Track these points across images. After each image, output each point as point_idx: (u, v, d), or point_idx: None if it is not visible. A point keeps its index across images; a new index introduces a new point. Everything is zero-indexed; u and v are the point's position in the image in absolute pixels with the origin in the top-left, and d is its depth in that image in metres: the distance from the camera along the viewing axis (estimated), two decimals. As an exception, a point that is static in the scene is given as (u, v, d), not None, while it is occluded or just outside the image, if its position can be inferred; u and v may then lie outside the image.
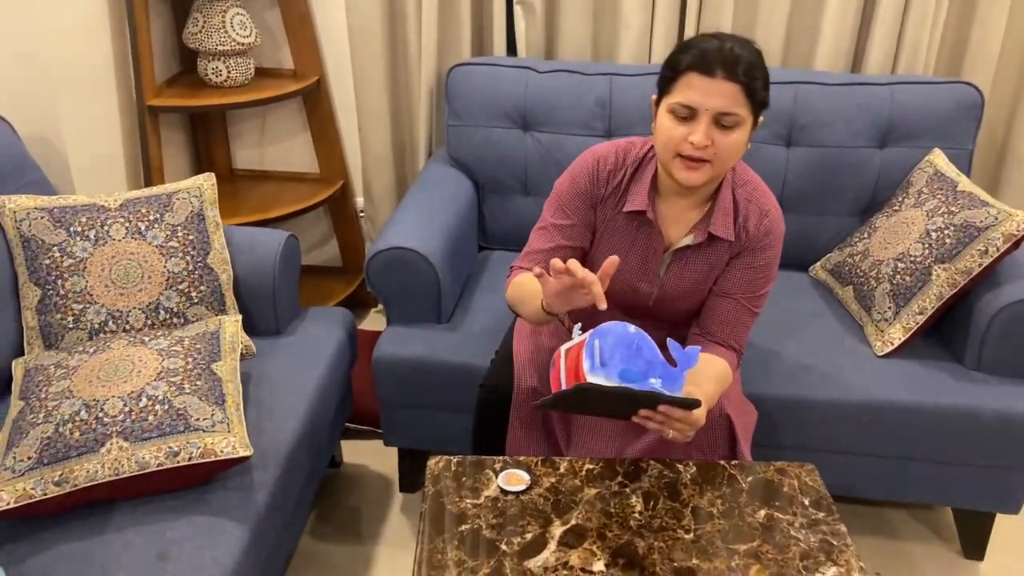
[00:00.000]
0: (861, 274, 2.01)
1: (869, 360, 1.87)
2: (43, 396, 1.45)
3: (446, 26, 2.43)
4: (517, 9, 2.39)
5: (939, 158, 2.06)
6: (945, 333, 1.92)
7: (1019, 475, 1.80)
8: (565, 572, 1.20)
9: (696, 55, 1.36)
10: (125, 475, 1.37)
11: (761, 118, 1.42)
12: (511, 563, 1.22)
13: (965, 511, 1.97)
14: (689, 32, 2.35)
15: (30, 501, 1.32)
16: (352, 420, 2.27)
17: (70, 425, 1.39)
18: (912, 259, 1.88)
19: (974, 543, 1.96)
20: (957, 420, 1.75)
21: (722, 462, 1.42)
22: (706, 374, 1.47)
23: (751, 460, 1.51)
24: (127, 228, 1.74)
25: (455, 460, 1.42)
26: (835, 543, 1.26)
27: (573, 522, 1.29)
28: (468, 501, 1.33)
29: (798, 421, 1.81)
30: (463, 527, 1.28)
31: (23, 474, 1.34)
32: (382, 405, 1.98)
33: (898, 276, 1.89)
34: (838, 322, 2.01)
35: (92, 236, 1.71)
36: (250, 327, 1.88)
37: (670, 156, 1.42)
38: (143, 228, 1.75)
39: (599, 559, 1.22)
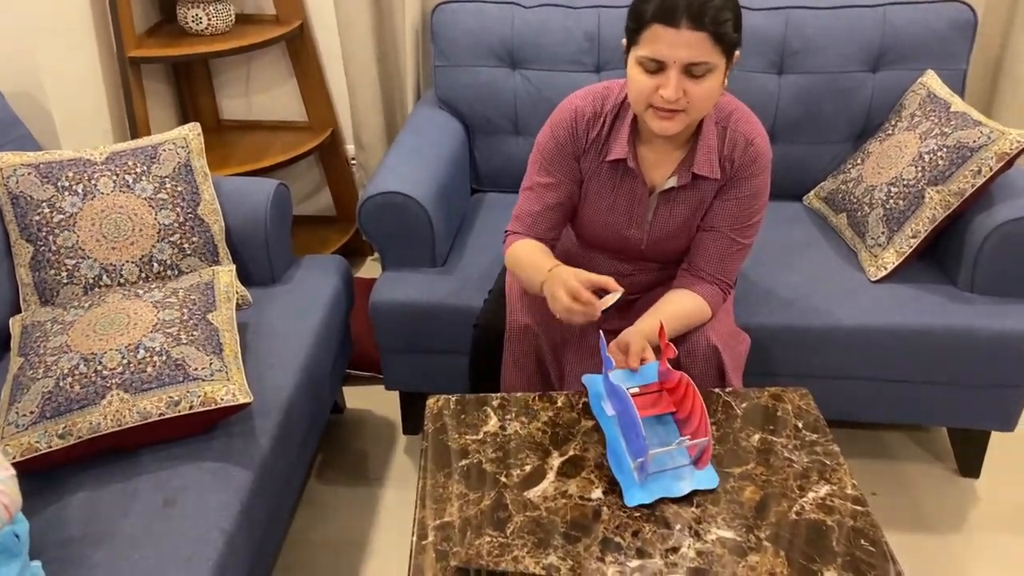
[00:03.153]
0: (854, 201, 2.00)
1: (863, 286, 1.87)
2: (41, 352, 1.46)
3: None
4: (500, -57, 2.33)
5: (932, 80, 2.04)
6: (939, 256, 1.92)
7: (1014, 393, 1.82)
8: (564, 500, 1.23)
9: (658, 5, 1.31)
10: (128, 426, 1.38)
11: (737, 54, 1.39)
12: (511, 494, 1.24)
13: (960, 430, 2.00)
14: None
15: (36, 454, 1.34)
16: (353, 366, 2.29)
17: (70, 379, 1.40)
18: (905, 183, 1.87)
19: (970, 462, 1.99)
20: (951, 341, 1.76)
21: (717, 390, 1.44)
22: (661, 310, 1.51)
23: (740, 388, 1.52)
24: (115, 181, 1.73)
25: (453, 399, 1.44)
26: (828, 463, 1.28)
27: (571, 453, 1.31)
28: (468, 437, 1.35)
29: (793, 350, 1.82)
30: (464, 462, 1.30)
31: (27, 428, 1.36)
32: (381, 350, 1.99)
33: (891, 201, 1.89)
34: (832, 250, 2.01)
35: (80, 191, 1.70)
36: (245, 277, 1.89)
37: (643, 108, 1.40)
38: (131, 181, 1.74)
39: (597, 487, 1.25)
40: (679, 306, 1.54)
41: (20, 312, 1.67)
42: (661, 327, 1.38)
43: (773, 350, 1.82)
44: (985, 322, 1.76)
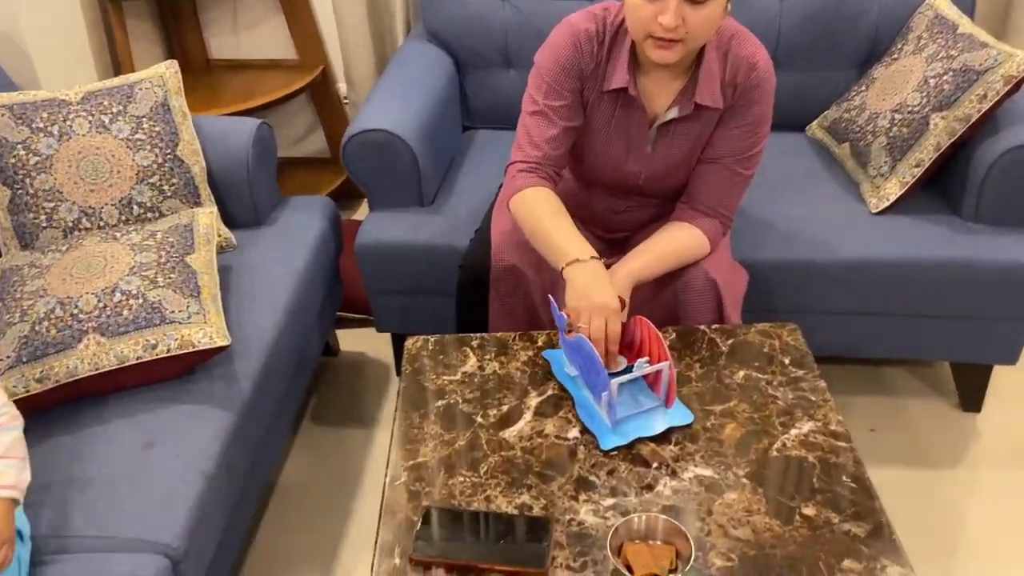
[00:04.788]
0: (857, 129, 1.92)
1: (864, 218, 1.81)
2: (18, 296, 1.45)
3: None
4: None
5: (940, 0, 1.93)
6: (943, 186, 1.85)
7: (1017, 325, 1.77)
8: (540, 440, 1.20)
9: None
10: (105, 369, 1.37)
11: None
12: (487, 434, 1.22)
13: (963, 365, 1.95)
14: None
15: (14, 399, 1.34)
16: (345, 309, 2.27)
17: (46, 323, 1.39)
18: (910, 109, 1.79)
19: (971, 396, 1.95)
20: (953, 273, 1.71)
21: (702, 326, 1.40)
22: (655, 245, 1.45)
23: (739, 323, 1.49)
24: (90, 122, 1.69)
25: (433, 339, 1.41)
26: (814, 399, 1.24)
27: (549, 393, 1.29)
28: (445, 378, 1.33)
29: (792, 285, 1.77)
30: (440, 402, 1.28)
31: (3, 373, 1.35)
32: (370, 292, 1.96)
33: (895, 128, 1.81)
34: (834, 181, 1.94)
35: (56, 132, 1.67)
36: (229, 219, 1.86)
37: (641, 37, 1.33)
38: (107, 121, 1.70)
39: (574, 426, 1.22)
40: (673, 241, 1.49)
41: (0, 256, 1.65)
42: (642, 324, 1.28)
43: (772, 285, 1.77)
44: (988, 253, 1.70)
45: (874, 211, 1.82)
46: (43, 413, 1.38)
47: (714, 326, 1.40)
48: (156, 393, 1.42)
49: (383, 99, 1.98)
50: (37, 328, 1.39)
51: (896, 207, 1.81)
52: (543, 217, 1.42)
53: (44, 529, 1.21)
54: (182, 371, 1.44)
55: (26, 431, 1.32)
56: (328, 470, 1.91)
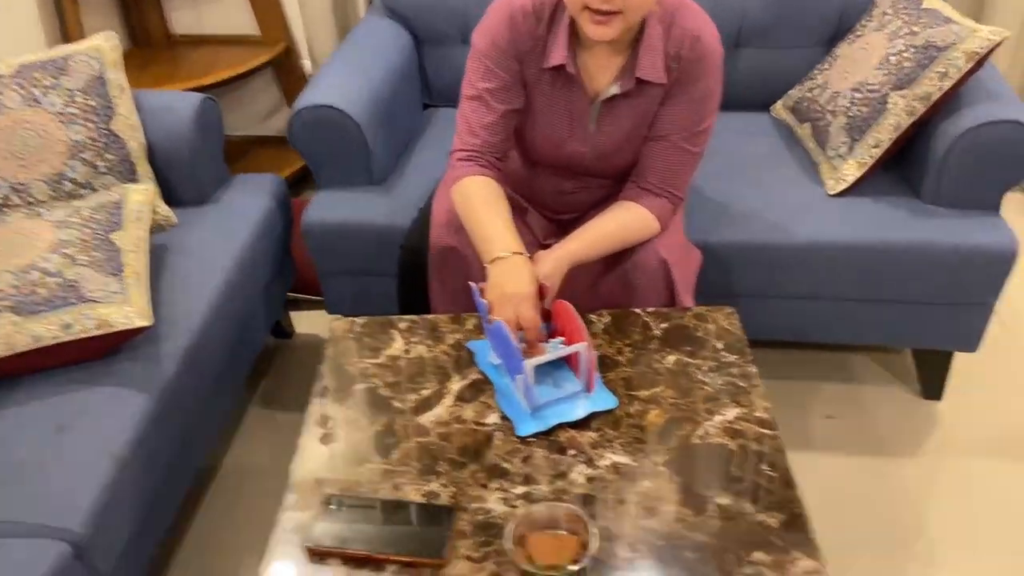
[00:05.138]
0: (819, 109, 1.86)
1: (821, 200, 1.76)
2: (-66, 274, 1.40)
3: None
4: None
5: (908, -26, 1.87)
6: (905, 167, 1.80)
7: (977, 311, 1.72)
8: (457, 425, 1.16)
9: None
10: (19, 350, 1.33)
11: None
12: (403, 419, 1.18)
13: (924, 352, 1.90)
14: None
15: (-78, 379, 1.30)
16: (302, 290, 2.23)
17: (-40, 301, 1.35)
18: (869, 88, 1.73)
19: (932, 383, 1.90)
20: (910, 257, 1.66)
21: (637, 309, 1.35)
22: (594, 227, 1.41)
23: (692, 306, 1.44)
24: (22, 96, 1.64)
25: (361, 321, 1.37)
26: (742, 385, 1.19)
27: (473, 377, 1.24)
28: (368, 361, 1.29)
29: (747, 267, 1.72)
30: (358, 386, 1.24)
31: (-87, 352, 1.31)
32: (320, 273, 1.92)
33: (854, 108, 1.75)
34: (794, 163, 1.88)
35: (-15, 107, 1.62)
36: (172, 197, 1.81)
37: (578, 10, 1.27)
38: (38, 95, 1.65)
39: (494, 412, 1.18)
40: (616, 221, 1.43)
41: (-74, 234, 1.61)
42: (562, 306, 1.24)
43: (727, 268, 1.72)
44: (946, 236, 1.65)
45: (831, 193, 1.76)
46: (-45, 394, 1.34)
47: (649, 309, 1.36)
48: (73, 375, 1.37)
49: (332, 75, 1.93)
50: (-50, 306, 1.35)
51: (855, 189, 1.75)
52: (476, 209, 1.39)
53: (-54, 513, 1.17)
54: (102, 352, 1.40)
55: (-67, 412, 1.29)
56: (275, 455, 1.86)
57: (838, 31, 1.99)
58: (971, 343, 1.77)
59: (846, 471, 1.75)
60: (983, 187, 1.67)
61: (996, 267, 1.64)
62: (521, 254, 1.29)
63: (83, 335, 1.35)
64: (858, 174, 1.73)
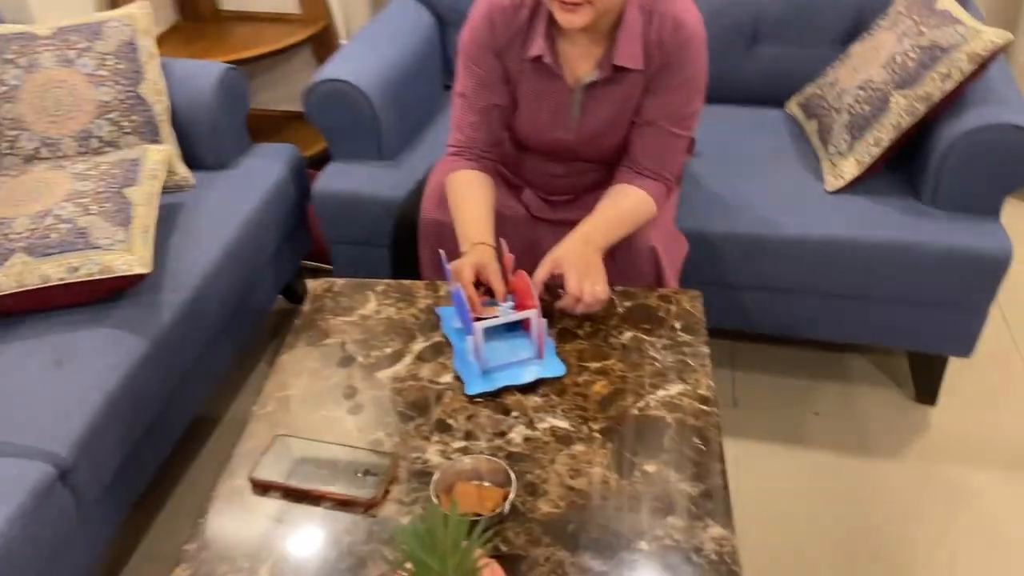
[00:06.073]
0: (826, 106, 1.86)
1: (818, 196, 1.76)
2: (-39, 215, 1.52)
3: None
4: None
5: (927, -25, 1.85)
6: (905, 167, 1.78)
7: (972, 316, 1.71)
8: (412, 382, 1.22)
9: None
10: (28, 287, 1.44)
11: None
12: (362, 372, 1.24)
13: (920, 356, 1.89)
14: None
15: (-60, 308, 1.42)
16: (317, 260, 2.32)
17: (-20, 241, 1.46)
18: (873, 86, 1.73)
19: (926, 387, 1.88)
20: (902, 256, 1.65)
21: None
22: (605, 214, 1.43)
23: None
24: (57, 56, 1.76)
25: (341, 282, 1.44)
26: (692, 363, 1.22)
27: (435, 340, 1.30)
28: (341, 319, 1.35)
29: (739, 258, 1.74)
30: (328, 340, 1.31)
31: (-66, 284, 1.43)
32: (328, 241, 2.00)
33: (858, 106, 1.75)
34: (798, 159, 1.89)
35: (23, 64, 1.74)
36: (193, 160, 1.91)
37: (549, 0, 1.32)
38: (72, 56, 1.76)
39: (449, 373, 1.23)
40: (623, 208, 1.46)
41: (-37, 180, 1.74)
42: (520, 277, 1.28)
43: (719, 258, 1.75)
44: (941, 238, 1.64)
45: (829, 190, 1.76)
46: (-31, 325, 1.46)
47: (618, 288, 1.39)
48: (76, 316, 1.48)
49: (352, 52, 2.00)
50: (-29, 245, 1.46)
51: (854, 187, 1.75)
52: (457, 203, 1.47)
53: (-53, 430, 1.28)
54: (103, 296, 1.50)
55: (-54, 339, 1.40)
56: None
57: (854, 30, 1.98)
58: (965, 348, 1.75)
59: (830, 469, 1.76)
60: (982, 190, 1.66)
61: (989, 272, 1.62)
62: (483, 244, 1.37)
63: (87, 278, 1.45)
64: (856, 172, 1.73)
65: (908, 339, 1.79)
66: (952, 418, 1.86)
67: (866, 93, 1.74)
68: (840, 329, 1.81)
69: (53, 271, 1.44)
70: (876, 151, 1.71)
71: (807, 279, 1.73)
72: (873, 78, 1.74)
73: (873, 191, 1.75)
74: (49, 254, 1.46)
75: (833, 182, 1.76)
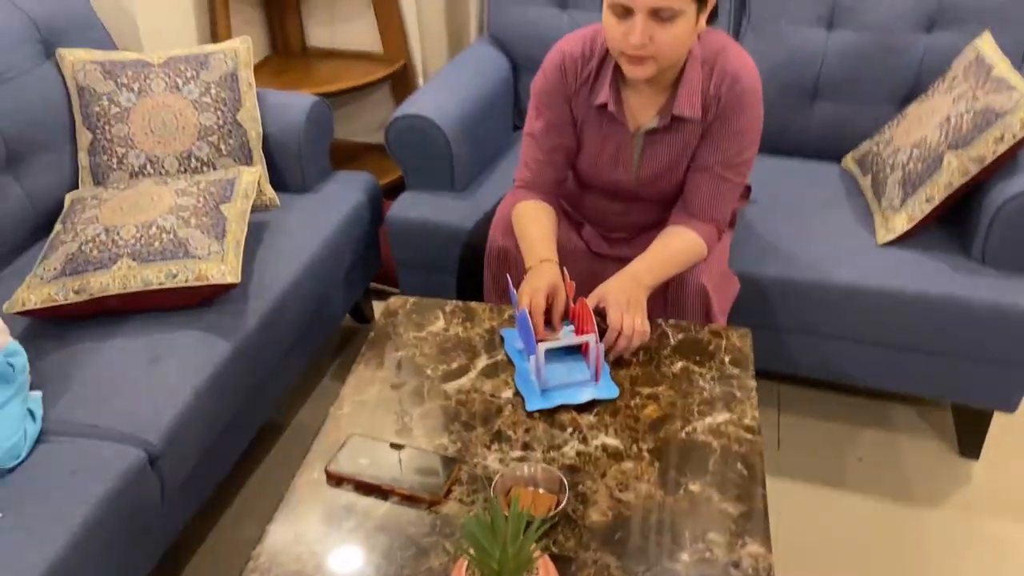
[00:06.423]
0: (880, 163, 1.94)
1: (869, 247, 1.83)
2: (76, 221, 1.69)
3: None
4: None
5: (986, 42, 1.92)
6: (958, 225, 1.84)
7: (1017, 372, 1.74)
8: (475, 395, 1.32)
9: None
10: (132, 290, 1.58)
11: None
12: (430, 383, 1.34)
13: (964, 409, 1.92)
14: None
15: (53, 304, 1.57)
16: (385, 282, 2.45)
17: (91, 244, 1.62)
18: (928, 145, 1.80)
19: (970, 441, 1.92)
20: (949, 310, 1.71)
21: (659, 320, 1.48)
22: (653, 253, 1.52)
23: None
24: (167, 83, 1.93)
25: (412, 300, 1.55)
26: (738, 395, 1.30)
27: (498, 358, 1.40)
28: (412, 333, 1.46)
29: (789, 303, 1.81)
30: (400, 353, 1.42)
31: (49, 281, 1.58)
32: (397, 264, 2.12)
33: (911, 163, 1.82)
34: (851, 211, 1.96)
35: (136, 88, 1.92)
36: (279, 183, 2.06)
37: (617, 53, 1.43)
38: (180, 84, 1.93)
39: (509, 389, 1.33)
40: (674, 249, 1.56)
41: (76, 189, 1.91)
42: (581, 304, 1.39)
43: (771, 302, 1.82)
44: (988, 294, 1.69)
45: (880, 242, 1.83)
46: (74, 321, 1.60)
47: (671, 322, 1.48)
48: (172, 318, 1.61)
49: (432, 90, 2.15)
50: (83, 248, 1.61)
51: (905, 241, 1.82)
52: (523, 227, 1.59)
53: (54, 414, 1.42)
54: (197, 301, 1.64)
55: (56, 335, 1.56)
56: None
57: (912, 91, 2.06)
58: (1010, 404, 1.79)
59: (870, 515, 1.80)
60: (1028, 251, 1.71)
61: (1035, 330, 1.67)
62: (548, 260, 1.48)
63: (183, 284, 1.59)
64: (908, 226, 1.80)
65: (953, 392, 1.83)
66: (995, 472, 1.89)
67: (920, 152, 1.81)
68: (885, 378, 1.86)
69: (154, 276, 1.59)
70: (928, 207, 1.77)
71: (854, 327, 1.79)
72: (928, 138, 1.81)
73: (923, 245, 1.81)
74: (151, 260, 1.60)
75: (884, 235, 1.83)
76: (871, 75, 2.09)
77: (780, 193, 2.03)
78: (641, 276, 1.48)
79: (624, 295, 1.41)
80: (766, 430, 2.00)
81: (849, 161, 2.13)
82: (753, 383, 1.33)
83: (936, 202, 1.76)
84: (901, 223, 1.81)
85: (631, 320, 1.36)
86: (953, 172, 1.74)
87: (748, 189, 1.95)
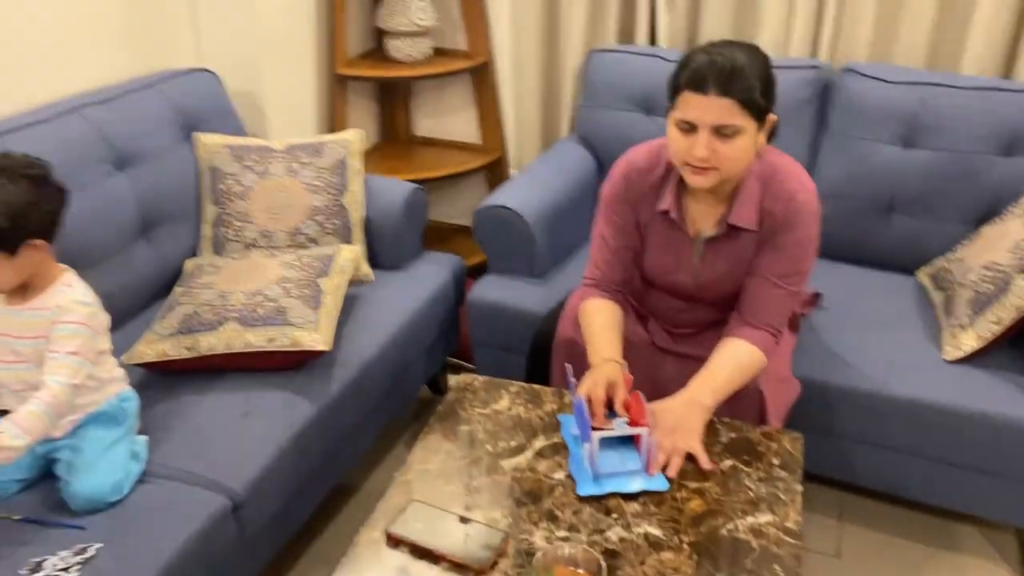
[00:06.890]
0: (951, 280, 1.97)
1: (934, 363, 1.85)
2: (193, 285, 1.89)
3: (595, 14, 2.64)
4: (659, 2, 2.54)
5: (1065, 169, 1.95)
6: (1025, 347, 1.85)
7: (1085, 504, 1.71)
8: (530, 474, 1.41)
9: (690, 73, 1.47)
10: (234, 350, 1.76)
11: (772, 117, 1.50)
12: (488, 459, 1.45)
13: (1032, 536, 1.88)
14: (827, 28, 2.38)
15: (166, 359, 1.76)
16: (463, 358, 2.58)
17: (205, 307, 1.81)
18: (998, 268, 1.83)
19: (1036, 570, 1.87)
20: (1012, 433, 1.70)
21: (713, 418, 1.54)
22: (712, 372, 1.58)
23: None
24: (285, 167, 2.15)
25: (481, 379, 1.67)
26: (783, 498, 1.35)
27: (555, 440, 1.49)
28: (477, 410, 1.58)
29: (849, 411, 1.84)
30: (464, 427, 1.53)
31: (165, 338, 1.78)
32: (473, 343, 2.26)
33: (982, 284, 1.85)
34: (921, 326, 1.98)
35: (259, 170, 2.15)
36: (375, 260, 2.25)
37: (680, 164, 1.55)
38: (296, 168, 2.15)
39: (563, 471, 1.42)
40: (734, 365, 1.59)
41: (195, 256, 2.14)
42: (636, 397, 1.47)
43: (832, 409, 1.85)
44: (1055, 421, 1.68)
45: (948, 359, 1.85)
46: (180, 374, 1.78)
47: (725, 419, 1.54)
48: (266, 378, 1.78)
49: (520, 182, 2.31)
50: (198, 310, 1.81)
51: (973, 360, 1.83)
52: (588, 325, 1.70)
53: (156, 457, 1.59)
54: (291, 364, 1.80)
55: (165, 386, 1.73)
56: (405, 488, 2.18)
57: (988, 212, 2.09)
58: (1077, 535, 1.75)
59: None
60: (1101, 380, 1.70)
61: (1104, 461, 1.65)
62: (610, 360, 1.58)
63: (280, 348, 1.76)
64: (976, 346, 1.81)
65: (1015, 515, 1.80)
66: (1064, 605, 1.83)
67: (991, 273, 1.84)
68: (945, 496, 1.85)
69: (255, 339, 1.76)
70: (996, 328, 1.79)
71: (916, 442, 1.80)
72: (999, 260, 1.84)
73: (991, 366, 1.82)
74: (255, 325, 1.78)
75: (952, 352, 1.85)
76: (947, 194, 2.13)
77: (852, 302, 2.07)
78: (701, 398, 1.53)
79: (673, 417, 1.47)
80: (825, 537, 2.00)
81: (923, 275, 2.16)
82: (799, 487, 1.37)
83: (1005, 323, 1.78)
84: (969, 342, 1.83)
85: (672, 443, 1.43)
86: (1021, 295, 1.76)
87: (818, 295, 2.00)
